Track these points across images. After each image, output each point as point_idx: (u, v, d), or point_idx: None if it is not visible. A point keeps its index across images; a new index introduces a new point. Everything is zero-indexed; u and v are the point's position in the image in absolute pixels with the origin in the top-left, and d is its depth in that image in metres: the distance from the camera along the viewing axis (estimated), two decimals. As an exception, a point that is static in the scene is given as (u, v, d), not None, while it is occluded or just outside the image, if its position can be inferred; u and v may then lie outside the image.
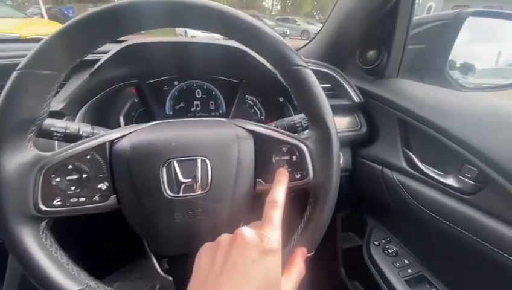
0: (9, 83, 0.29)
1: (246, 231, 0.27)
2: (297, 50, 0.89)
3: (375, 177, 0.67)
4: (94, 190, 0.33)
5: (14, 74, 0.29)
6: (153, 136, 0.35)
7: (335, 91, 0.68)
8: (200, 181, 0.34)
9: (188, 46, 0.58)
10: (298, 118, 0.48)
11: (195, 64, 0.69)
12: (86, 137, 0.40)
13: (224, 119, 0.42)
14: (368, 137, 0.70)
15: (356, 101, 0.68)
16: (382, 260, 0.69)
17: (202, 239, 0.34)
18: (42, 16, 7.86)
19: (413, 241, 0.70)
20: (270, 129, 0.39)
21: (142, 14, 0.31)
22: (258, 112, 0.77)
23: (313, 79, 0.36)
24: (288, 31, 13.38)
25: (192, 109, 0.75)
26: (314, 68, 0.61)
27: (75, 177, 0.32)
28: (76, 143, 0.33)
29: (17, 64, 0.30)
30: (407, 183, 0.60)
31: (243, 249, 0.25)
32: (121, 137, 0.35)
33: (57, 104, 0.51)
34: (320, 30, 0.77)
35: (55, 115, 0.51)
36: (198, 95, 0.75)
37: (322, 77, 0.70)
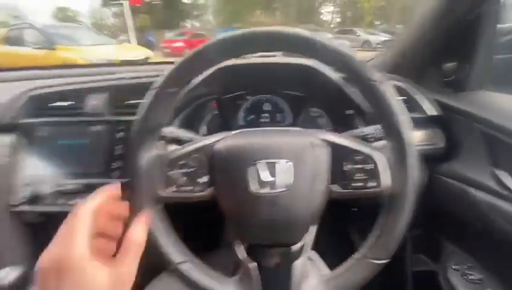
0: (148, 99, 0.39)
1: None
2: (368, 61, 0.90)
3: (455, 196, 0.62)
4: (197, 183, 0.41)
5: (152, 92, 0.39)
6: (242, 141, 0.42)
7: (408, 104, 0.67)
8: (280, 181, 0.38)
9: (263, 65, 0.66)
10: (370, 129, 0.49)
11: (267, 81, 0.76)
12: (186, 141, 0.50)
13: (299, 129, 0.46)
14: (446, 152, 0.65)
15: (432, 114, 0.65)
16: (464, 287, 0.62)
17: (279, 231, 0.39)
18: (129, 42, 9.41)
19: (502, 268, 0.62)
20: (344, 138, 0.42)
21: (258, 41, 0.38)
22: (325, 123, 0.79)
23: (389, 91, 0.38)
24: (348, 43, 13.04)
25: (261, 120, 0.82)
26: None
27: (184, 171, 0.41)
28: (186, 145, 0.42)
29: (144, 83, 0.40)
30: (495, 204, 0.54)
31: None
32: (217, 141, 0.42)
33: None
34: (393, 42, 0.76)
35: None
36: (267, 107, 0.82)
37: (395, 90, 0.70)
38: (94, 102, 0.63)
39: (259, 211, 0.38)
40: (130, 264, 0.31)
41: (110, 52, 5.41)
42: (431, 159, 0.67)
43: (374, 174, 0.39)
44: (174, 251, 0.40)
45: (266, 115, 0.81)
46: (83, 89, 0.65)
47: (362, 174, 0.39)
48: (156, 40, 17.98)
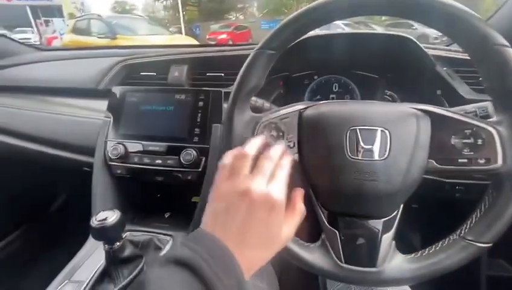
0: (249, 59, 0.41)
1: (257, 188, 0.30)
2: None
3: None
4: (286, 146, 0.42)
5: (253, 52, 0.41)
6: (337, 108, 0.41)
7: None
8: (379, 149, 0.37)
9: (352, 37, 0.63)
10: (472, 107, 0.45)
11: (341, 61, 0.74)
12: (266, 109, 0.51)
13: (394, 103, 0.44)
14: None
15: None
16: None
17: (373, 202, 0.38)
18: (181, 33, 9.90)
19: None
20: (449, 111, 0.39)
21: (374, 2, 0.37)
22: None
23: None
24: (400, 37, 12.03)
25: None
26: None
27: (275, 133, 0.42)
28: (278, 109, 0.43)
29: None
30: None
31: (253, 209, 0.29)
32: (307, 107, 0.43)
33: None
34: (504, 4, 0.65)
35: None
36: (335, 88, 0.79)
37: None
38: (177, 72, 0.68)
39: (354, 178, 0.37)
40: (291, 226, 0.34)
41: (164, 41, 5.76)
42: None
43: (485, 150, 0.36)
44: None
45: (333, 96, 0.79)
46: (166, 60, 0.70)
47: (470, 150, 0.36)
48: (202, 32, 18.61)
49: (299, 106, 0.43)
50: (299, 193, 0.37)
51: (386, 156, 0.37)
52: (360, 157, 0.37)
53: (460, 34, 0.36)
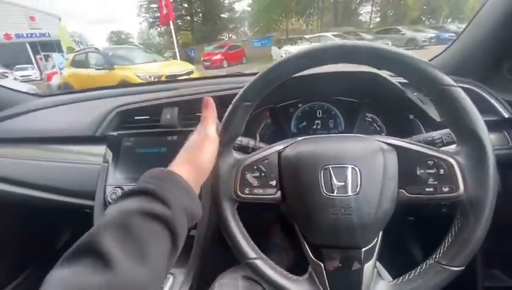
0: (228, 112, 0.45)
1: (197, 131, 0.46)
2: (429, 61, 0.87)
3: (536, 204, 0.57)
4: (268, 185, 0.45)
5: (231, 106, 0.45)
6: (311, 147, 0.45)
7: (478, 106, 0.63)
8: (350, 185, 0.41)
9: (322, 76, 0.68)
10: (438, 134, 0.49)
11: (321, 90, 0.79)
12: (252, 148, 0.54)
13: (363, 135, 0.48)
14: None
15: (506, 116, 0.60)
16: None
17: (352, 234, 0.41)
18: (176, 58, 10.18)
19: None
20: (412, 143, 0.42)
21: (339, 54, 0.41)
22: (379, 129, 0.79)
23: (463, 96, 0.38)
24: (390, 43, 12.33)
25: (314, 127, 0.84)
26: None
27: (257, 174, 0.45)
28: (258, 151, 0.47)
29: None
30: None
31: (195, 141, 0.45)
32: (286, 147, 0.46)
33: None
34: (455, 40, 0.73)
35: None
36: (319, 115, 0.84)
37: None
38: (168, 115, 0.72)
39: (331, 214, 0.40)
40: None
41: (159, 68, 5.94)
42: (505, 164, 0.62)
43: (447, 179, 0.39)
44: (248, 247, 0.45)
45: (318, 122, 0.84)
46: (158, 104, 0.75)
47: (434, 179, 0.40)
48: (197, 54, 19.13)
49: (277, 147, 0.47)
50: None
51: (357, 191, 0.40)
52: (334, 194, 0.41)
53: (414, 78, 0.41)
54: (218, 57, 14.07)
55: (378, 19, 25.38)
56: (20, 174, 0.80)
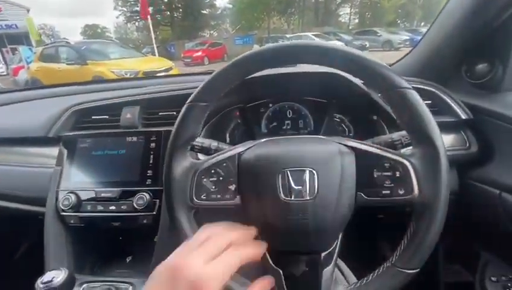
0: (182, 112, 0.42)
1: (189, 264, 0.31)
2: (391, 65, 0.88)
3: (490, 202, 0.59)
4: (226, 190, 0.43)
5: (185, 106, 0.42)
6: (270, 150, 0.43)
7: (436, 108, 0.65)
8: (308, 189, 0.39)
9: (289, 75, 0.67)
10: (397, 135, 0.49)
11: (290, 89, 0.78)
12: (215, 150, 0.52)
13: (324, 137, 0.47)
14: (479, 157, 0.63)
15: (463, 117, 0.62)
16: (505, 300, 0.58)
17: (309, 238, 0.40)
18: (154, 54, 9.87)
19: None
20: (370, 146, 0.42)
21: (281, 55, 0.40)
22: (346, 129, 0.79)
23: (417, 99, 0.38)
24: (367, 44, 12.74)
25: (284, 128, 0.83)
26: (412, 86, 0.62)
27: (215, 179, 0.43)
28: (216, 154, 0.45)
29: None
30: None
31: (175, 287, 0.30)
32: (245, 150, 0.44)
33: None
34: (418, 42, 0.75)
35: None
36: (289, 115, 0.83)
37: (421, 94, 0.68)
38: (129, 115, 0.68)
39: (288, 218, 0.39)
40: None
41: (136, 64, 5.72)
42: (463, 165, 0.64)
43: (403, 181, 0.39)
44: None
45: (288, 122, 0.83)
46: (118, 102, 0.70)
47: (391, 182, 0.39)
48: (177, 50, 18.68)
49: (238, 149, 0.45)
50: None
51: (315, 195, 0.39)
52: (292, 198, 0.39)
53: (368, 80, 0.40)
54: (199, 54, 13.84)
55: (356, 20, 26.12)
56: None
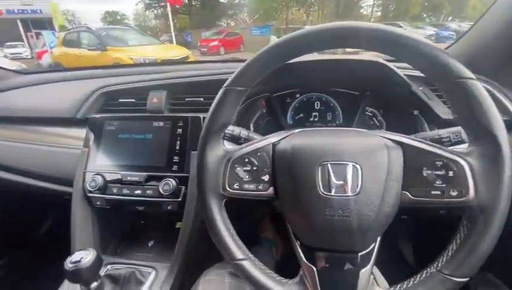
0: (218, 97, 0.40)
1: None
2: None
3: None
4: (259, 181, 0.41)
5: (222, 90, 0.40)
6: (309, 141, 0.40)
7: None
8: (350, 184, 0.37)
9: (324, 63, 0.63)
10: (445, 132, 0.45)
11: (319, 79, 0.74)
12: (245, 139, 0.50)
13: (366, 130, 0.44)
14: None
15: None
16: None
17: (349, 237, 0.37)
18: (172, 42, 9.91)
19: None
20: (421, 141, 0.39)
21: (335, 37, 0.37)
22: (378, 124, 0.75)
23: (481, 91, 0.34)
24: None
25: (310, 120, 0.80)
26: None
27: (248, 168, 0.41)
28: (250, 143, 0.43)
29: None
30: None
31: None
32: (281, 139, 0.42)
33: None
34: (464, 34, 0.68)
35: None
36: (317, 106, 0.79)
37: None
38: (155, 99, 0.67)
39: (327, 215, 0.37)
40: None
41: (154, 51, 5.76)
42: None
43: (456, 182, 0.35)
44: (235, 247, 0.41)
45: (316, 114, 0.79)
46: (145, 86, 0.69)
47: (442, 182, 0.36)
48: (193, 39, 18.67)
49: (272, 139, 0.43)
50: None
51: (357, 191, 0.36)
52: (332, 194, 0.37)
53: (423, 67, 0.36)
54: (216, 43, 13.76)
55: (379, 13, 25.09)
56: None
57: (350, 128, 0.46)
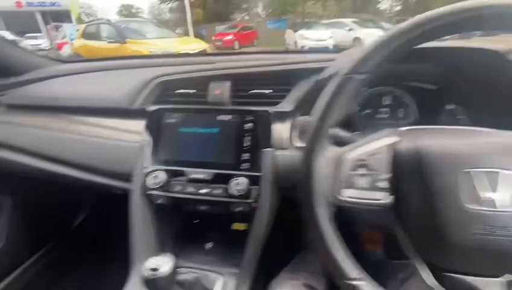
0: (333, 87, 0.34)
1: None
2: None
3: None
4: (377, 188, 0.35)
5: (339, 79, 0.34)
6: (444, 141, 0.34)
7: None
8: (499, 196, 0.30)
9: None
10: None
11: (390, 71, 0.66)
12: (345, 140, 0.43)
13: (507, 132, 0.37)
14: None
15: None
16: None
17: (501, 260, 0.31)
18: (187, 35, 9.88)
19: None
20: None
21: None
22: (464, 123, 0.67)
23: None
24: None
25: (378, 116, 0.73)
26: None
27: (363, 172, 0.35)
28: (361, 143, 0.37)
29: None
30: None
31: None
32: (399, 140, 0.36)
33: (287, 106, 0.59)
34: None
35: (284, 115, 0.59)
36: (387, 101, 0.72)
37: None
38: (218, 90, 0.62)
39: (474, 232, 0.30)
40: None
41: (173, 44, 5.74)
42: None
43: None
44: (349, 264, 0.35)
45: (385, 110, 0.72)
46: (206, 76, 0.64)
47: None
48: (207, 33, 18.62)
49: (391, 138, 0.36)
50: None
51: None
52: (480, 208, 0.30)
53: None
54: (230, 37, 13.67)
55: (398, 7, 24.24)
56: (45, 148, 0.71)
57: (485, 129, 0.39)
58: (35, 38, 14.59)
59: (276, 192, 0.55)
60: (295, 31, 11.74)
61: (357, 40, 10.31)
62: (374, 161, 0.35)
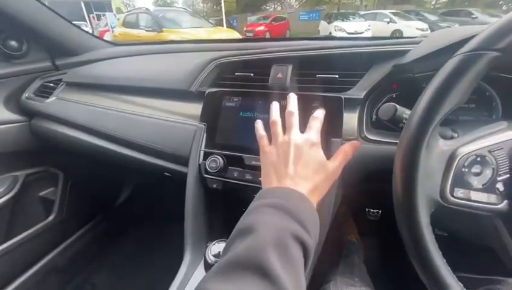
0: (452, 67, 0.29)
1: (297, 137, 0.42)
2: None
3: None
4: (491, 189, 0.29)
5: (461, 57, 0.29)
6: None
7: None
8: None
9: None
10: None
11: None
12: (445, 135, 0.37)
13: None
14: None
15: None
16: None
17: None
18: (220, 25, 9.94)
19: None
20: None
21: None
22: None
23: None
24: (457, 26, 10.76)
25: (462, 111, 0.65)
26: None
27: (478, 170, 0.30)
28: (478, 135, 0.31)
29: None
30: None
31: (299, 148, 0.41)
32: None
33: (360, 92, 0.54)
34: None
35: (354, 102, 0.54)
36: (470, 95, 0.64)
37: None
38: (280, 74, 0.58)
39: None
40: (336, 161, 0.43)
41: (206, 34, 5.80)
42: None
43: None
44: (449, 274, 0.30)
45: (465, 105, 0.64)
46: (267, 59, 0.60)
47: None
48: (239, 24, 18.59)
49: (508, 131, 0.30)
50: (349, 144, 0.46)
51: None
52: None
53: None
54: (262, 28, 13.50)
55: (445, -1, 22.26)
56: (104, 125, 0.73)
57: None
58: (79, 26, 15.56)
59: (344, 184, 0.51)
60: (329, 22, 11.29)
61: (396, 32, 9.67)
62: (494, 156, 0.30)
